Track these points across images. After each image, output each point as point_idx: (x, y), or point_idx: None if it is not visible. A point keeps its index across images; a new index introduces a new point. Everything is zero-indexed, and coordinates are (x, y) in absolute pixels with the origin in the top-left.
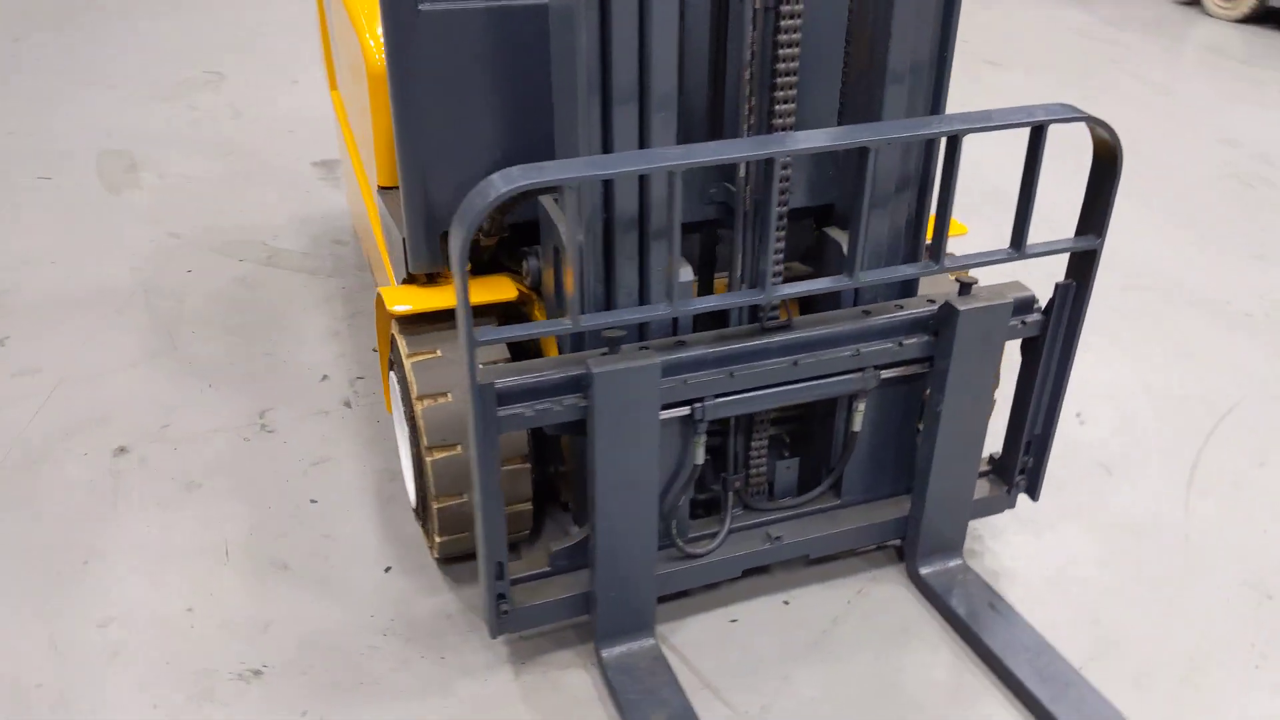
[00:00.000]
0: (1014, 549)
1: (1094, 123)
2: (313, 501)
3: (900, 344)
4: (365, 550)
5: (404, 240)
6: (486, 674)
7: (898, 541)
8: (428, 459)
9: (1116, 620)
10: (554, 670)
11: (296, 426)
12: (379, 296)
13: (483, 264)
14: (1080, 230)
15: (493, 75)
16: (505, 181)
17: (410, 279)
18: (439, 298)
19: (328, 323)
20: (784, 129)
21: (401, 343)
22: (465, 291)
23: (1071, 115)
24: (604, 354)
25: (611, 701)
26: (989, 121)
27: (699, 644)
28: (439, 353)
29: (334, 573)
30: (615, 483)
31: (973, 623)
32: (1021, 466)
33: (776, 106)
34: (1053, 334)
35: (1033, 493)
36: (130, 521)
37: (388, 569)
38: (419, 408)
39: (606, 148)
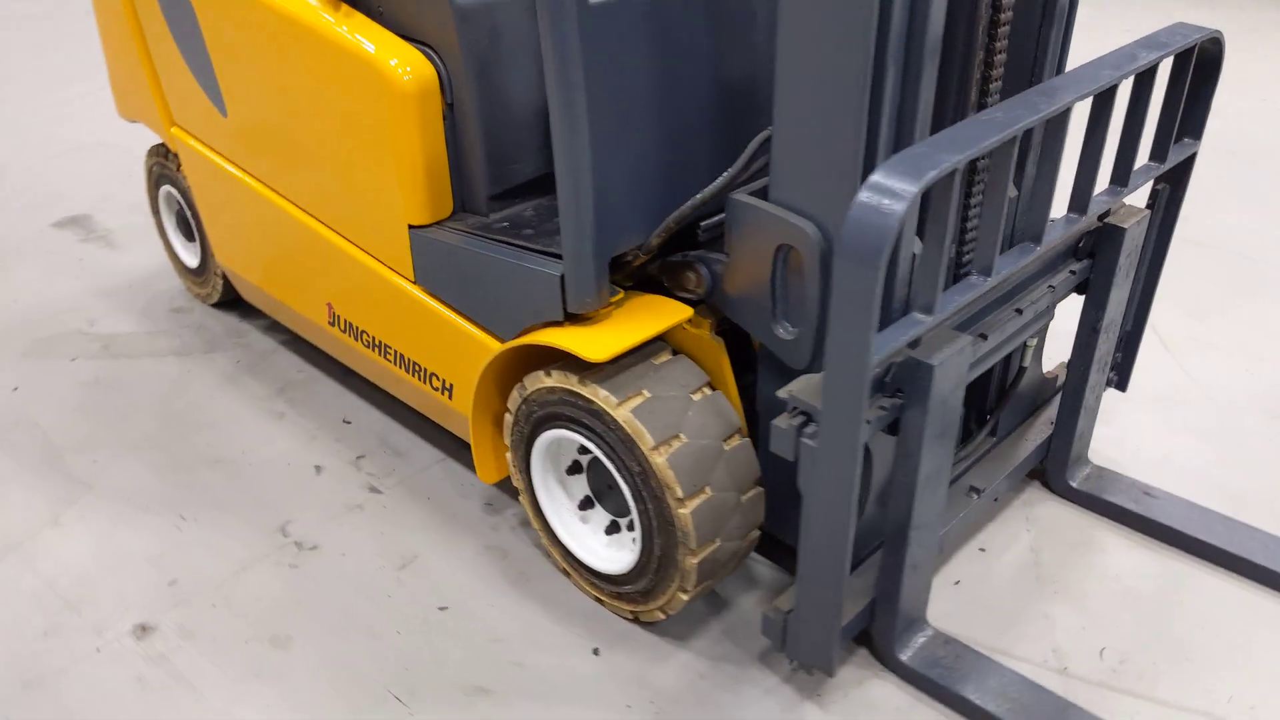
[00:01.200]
0: (1104, 442)
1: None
2: (442, 609)
3: (1072, 271)
4: (548, 640)
5: (562, 276)
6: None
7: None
8: (682, 510)
9: (1224, 480)
10: (852, 690)
11: (336, 533)
12: (512, 348)
13: (615, 282)
14: (1181, 134)
15: (663, 67)
16: (908, 182)
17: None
18: (622, 334)
19: (256, 405)
20: (997, 80)
21: (600, 392)
22: (875, 309)
23: (1206, 33)
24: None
25: (934, 698)
26: (1167, 48)
27: (949, 614)
28: (646, 393)
29: (540, 677)
30: (928, 476)
31: (1146, 512)
32: (1113, 363)
33: (995, 57)
34: (1148, 236)
35: (1122, 385)
36: (236, 710)
37: (595, 650)
38: (657, 459)
39: (873, 117)
